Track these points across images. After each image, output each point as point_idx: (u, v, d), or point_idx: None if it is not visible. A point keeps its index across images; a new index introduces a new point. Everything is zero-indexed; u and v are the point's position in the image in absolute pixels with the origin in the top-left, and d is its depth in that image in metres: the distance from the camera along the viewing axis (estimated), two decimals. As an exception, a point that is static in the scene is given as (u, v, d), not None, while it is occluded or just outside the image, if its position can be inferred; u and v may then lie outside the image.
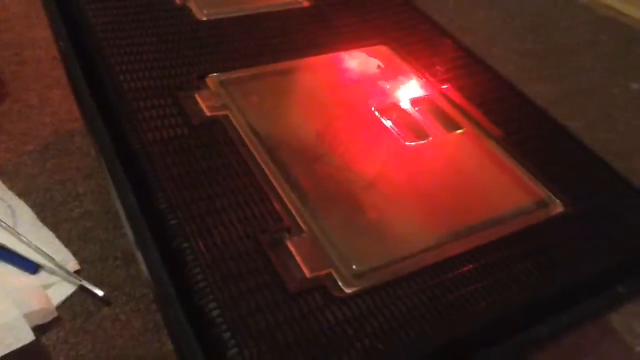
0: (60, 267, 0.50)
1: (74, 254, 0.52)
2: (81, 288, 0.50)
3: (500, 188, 0.40)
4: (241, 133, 0.40)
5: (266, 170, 0.38)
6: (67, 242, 0.53)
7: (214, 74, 0.45)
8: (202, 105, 0.42)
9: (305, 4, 0.55)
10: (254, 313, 0.30)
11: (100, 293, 0.49)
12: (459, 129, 0.44)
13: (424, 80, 0.48)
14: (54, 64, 0.57)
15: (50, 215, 0.55)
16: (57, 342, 0.46)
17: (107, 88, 0.43)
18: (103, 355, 0.46)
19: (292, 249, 0.33)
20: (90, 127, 0.41)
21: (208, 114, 0.41)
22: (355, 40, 0.51)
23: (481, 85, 0.48)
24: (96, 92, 0.43)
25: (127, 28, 0.48)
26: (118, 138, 0.40)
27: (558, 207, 0.39)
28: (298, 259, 0.33)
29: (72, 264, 0.51)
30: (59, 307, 0.48)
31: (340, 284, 0.32)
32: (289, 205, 0.36)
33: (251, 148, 0.39)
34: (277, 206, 0.36)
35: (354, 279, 0.32)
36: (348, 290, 0.32)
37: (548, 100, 0.51)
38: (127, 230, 0.37)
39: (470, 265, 0.34)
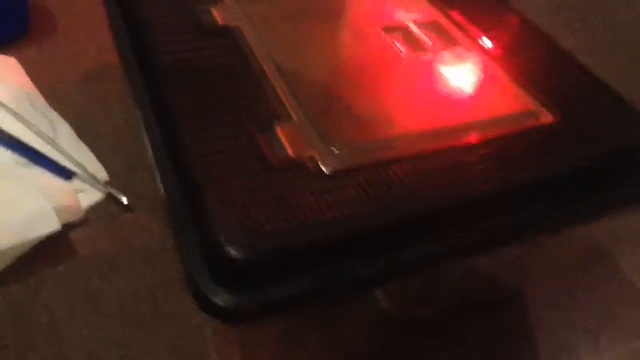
0: (92, 176, 0.54)
1: (105, 166, 0.56)
2: (108, 196, 0.54)
3: (490, 97, 0.40)
4: (249, 41, 0.42)
5: (267, 73, 0.40)
6: (100, 155, 0.57)
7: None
8: (216, 16, 0.45)
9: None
10: (238, 189, 0.32)
11: (125, 201, 0.53)
12: (457, 45, 0.44)
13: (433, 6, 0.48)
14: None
15: (85, 131, 0.60)
16: (82, 239, 0.51)
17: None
18: (120, 250, 0.50)
19: (279, 133, 0.35)
20: (118, 44, 0.45)
21: (220, 23, 0.44)
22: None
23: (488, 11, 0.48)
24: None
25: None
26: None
27: (544, 118, 0.39)
28: (283, 141, 0.35)
29: (103, 175, 0.55)
30: (87, 211, 0.53)
31: (320, 164, 0.34)
32: (284, 100, 0.38)
33: (257, 55, 0.41)
34: (272, 101, 0.38)
35: (334, 161, 0.34)
36: (327, 171, 0.33)
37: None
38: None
39: (446, 162, 0.35)
